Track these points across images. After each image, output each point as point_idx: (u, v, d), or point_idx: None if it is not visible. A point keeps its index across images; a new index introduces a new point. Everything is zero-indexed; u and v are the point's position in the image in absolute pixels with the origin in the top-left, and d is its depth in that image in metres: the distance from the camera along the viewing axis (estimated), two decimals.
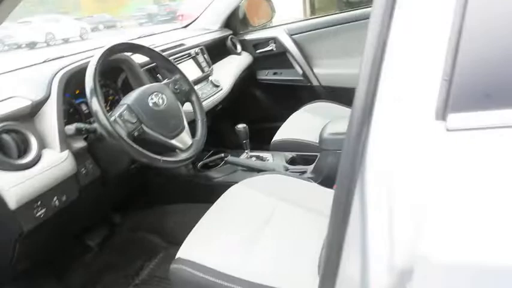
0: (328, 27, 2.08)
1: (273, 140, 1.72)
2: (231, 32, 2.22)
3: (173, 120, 1.18)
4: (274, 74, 2.27)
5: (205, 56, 1.79)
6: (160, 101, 1.15)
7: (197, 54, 1.72)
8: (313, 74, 2.15)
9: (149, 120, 1.09)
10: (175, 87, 1.26)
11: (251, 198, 1.13)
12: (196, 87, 1.59)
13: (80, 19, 15.80)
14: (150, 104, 1.12)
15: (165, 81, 1.28)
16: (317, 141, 1.56)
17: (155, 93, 1.15)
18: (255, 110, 2.35)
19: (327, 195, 1.07)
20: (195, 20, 2.22)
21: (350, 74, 2.08)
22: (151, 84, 1.20)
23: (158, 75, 1.43)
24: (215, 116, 1.85)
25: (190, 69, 1.65)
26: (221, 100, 1.72)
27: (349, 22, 2.04)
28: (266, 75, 2.29)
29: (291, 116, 1.91)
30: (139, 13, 17.91)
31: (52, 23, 13.52)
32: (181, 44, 1.72)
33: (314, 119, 1.80)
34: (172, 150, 1.17)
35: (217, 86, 1.70)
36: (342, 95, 2.07)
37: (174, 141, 1.15)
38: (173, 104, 1.21)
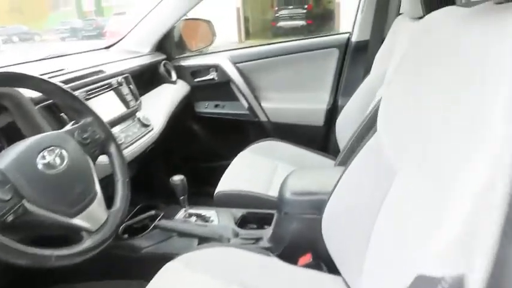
0: (277, 56, 1.84)
1: (216, 191, 1.39)
2: (164, 56, 1.88)
3: (78, 186, 0.80)
4: (216, 106, 1.97)
5: (132, 86, 1.42)
6: (58, 160, 0.78)
7: (120, 84, 1.35)
8: (261, 108, 1.89)
9: (36, 192, 0.71)
10: (85, 135, 0.89)
11: (192, 282, 0.88)
12: (118, 129, 1.23)
13: None
14: (40, 167, 0.74)
15: (69, 126, 0.90)
16: (272, 195, 1.29)
17: (49, 149, 0.78)
18: (193, 149, 2.02)
19: (290, 274, 0.92)
20: (120, 40, 1.84)
21: (302, 110, 1.86)
22: (44, 135, 0.82)
23: (62, 114, 1.03)
24: (144, 160, 1.47)
25: (110, 105, 1.27)
26: (152, 141, 1.37)
27: (301, 51, 1.82)
28: (206, 107, 1.97)
29: (236, 158, 1.61)
30: (62, 27, 16.61)
31: None
32: (100, 71, 1.34)
33: (264, 163, 1.54)
34: (75, 232, 0.79)
35: (146, 126, 1.34)
36: (293, 133, 1.84)
37: (77, 220, 0.78)
38: (79, 162, 0.83)
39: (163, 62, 1.84)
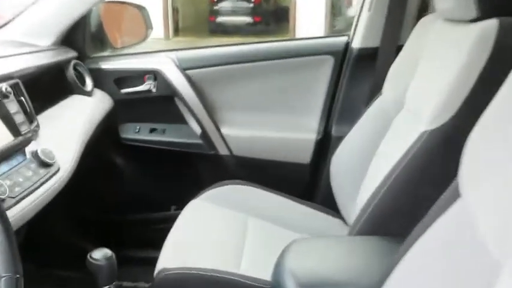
0: (246, 61, 1.64)
1: (157, 270, 1.15)
2: (74, 54, 1.59)
3: None
4: (152, 131, 1.71)
5: (23, 99, 1.13)
6: None
7: (5, 96, 1.05)
8: (220, 135, 1.67)
9: None
10: None
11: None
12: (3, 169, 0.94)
13: None
14: None
15: None
16: (248, 275, 1.10)
17: None
18: (117, 195, 1.72)
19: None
20: (3, 26, 1.52)
21: (281, 140, 1.67)
22: None
23: None
24: (42, 219, 1.18)
25: None
26: (58, 190, 1.08)
27: (281, 57, 1.65)
28: (137, 132, 1.71)
29: (184, 211, 1.37)
30: None
31: None
32: None
33: (228, 219, 1.35)
34: None
35: (48, 165, 1.05)
36: (267, 173, 1.64)
37: None
38: None
39: (73, 62, 1.55)
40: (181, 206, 1.73)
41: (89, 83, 1.58)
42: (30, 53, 1.39)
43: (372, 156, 1.23)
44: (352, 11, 11.57)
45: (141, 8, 1.85)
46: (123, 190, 1.75)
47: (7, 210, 0.86)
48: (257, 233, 1.32)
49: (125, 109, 1.69)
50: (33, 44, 1.48)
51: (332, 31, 10.85)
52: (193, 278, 1.13)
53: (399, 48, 1.39)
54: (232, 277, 1.12)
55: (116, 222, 1.77)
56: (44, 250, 1.60)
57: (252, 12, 12.58)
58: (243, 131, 1.68)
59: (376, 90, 1.42)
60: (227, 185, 1.51)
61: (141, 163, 1.75)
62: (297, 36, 11.22)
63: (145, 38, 1.85)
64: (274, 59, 1.63)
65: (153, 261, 1.75)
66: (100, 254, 0.97)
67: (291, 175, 1.67)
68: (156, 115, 1.71)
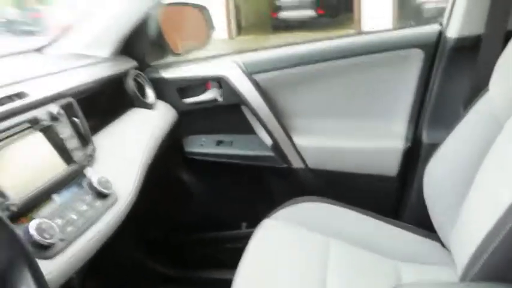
0: (321, 61, 1.45)
1: None
2: (134, 63, 1.48)
3: None
4: (219, 144, 1.57)
5: (78, 120, 1.02)
6: None
7: (56, 118, 0.94)
8: (293, 146, 1.49)
9: None
10: None
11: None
12: (45, 212, 0.82)
13: None
14: None
15: None
16: None
17: None
18: (183, 214, 1.61)
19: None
20: (59, 38, 1.44)
21: (363, 150, 1.47)
22: None
23: None
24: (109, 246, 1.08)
25: (34, 160, 0.87)
26: (117, 224, 0.96)
27: (359, 54, 1.44)
28: (202, 145, 1.57)
29: (257, 233, 1.23)
30: None
31: None
32: (20, 95, 0.94)
33: (307, 241, 1.19)
34: None
35: (104, 196, 0.93)
36: (347, 188, 1.45)
37: None
38: None
39: (133, 72, 1.44)
40: (252, 223, 1.58)
41: (150, 94, 1.47)
42: (86, 66, 1.29)
43: (477, 169, 1.01)
44: None
45: (202, 8, 1.71)
46: (190, 208, 1.63)
47: (57, 254, 0.75)
48: (341, 259, 1.14)
49: (189, 120, 1.56)
50: (92, 55, 1.38)
51: (400, 22, 10.29)
52: None
53: (509, 35, 1.16)
54: None
55: (185, 241, 1.66)
56: (112, 274, 1.51)
57: (315, 5, 12.25)
58: (319, 141, 1.49)
59: (479, 87, 1.18)
60: (303, 202, 1.34)
61: (208, 178, 1.62)
62: (363, 28, 10.79)
63: (207, 40, 1.71)
64: (352, 56, 1.42)
65: (224, 282, 1.61)
66: None
67: (374, 189, 1.47)
68: (222, 126, 1.57)
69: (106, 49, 1.41)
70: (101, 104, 1.30)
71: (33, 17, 15.91)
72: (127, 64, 1.44)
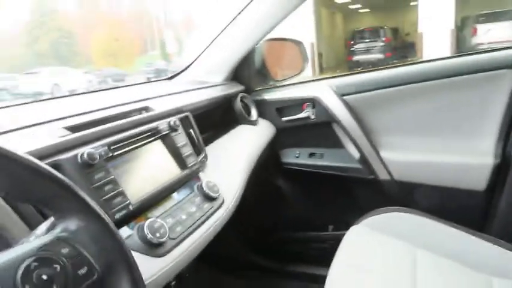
0: (408, 83, 1.19)
1: None
2: (242, 87, 1.35)
3: None
4: (311, 156, 1.36)
5: (193, 131, 0.89)
6: None
7: (174, 129, 0.81)
8: (380, 159, 1.24)
9: None
10: (49, 269, 0.34)
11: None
12: (159, 211, 0.67)
13: (89, 72, 15.55)
14: None
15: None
16: None
17: None
18: (279, 216, 1.42)
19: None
20: (186, 69, 1.35)
21: (449, 165, 1.17)
22: None
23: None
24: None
25: (153, 165, 0.74)
26: (221, 225, 0.80)
27: (446, 77, 1.16)
28: (297, 157, 1.38)
29: (347, 237, 1.00)
30: (148, 68, 17.70)
31: (60, 75, 13.31)
32: (145, 109, 0.82)
33: (395, 249, 0.94)
34: None
35: (212, 199, 0.77)
36: (432, 200, 1.16)
37: None
38: None
39: (241, 95, 1.30)
40: (337, 226, 1.34)
41: (253, 113, 1.32)
42: (203, 88, 1.17)
43: None
44: (477, 39, 9.84)
45: (299, 43, 1.54)
46: (285, 210, 1.44)
47: (167, 253, 0.59)
48: (430, 271, 0.87)
49: (286, 135, 1.38)
50: (209, 81, 1.28)
51: None
52: None
53: None
54: None
55: (280, 239, 1.47)
56: (217, 260, 1.37)
57: (383, 50, 11.62)
58: (406, 155, 1.22)
59: None
60: (390, 211, 1.08)
61: (301, 186, 1.42)
62: None
63: (302, 70, 1.53)
64: (440, 78, 1.15)
65: (313, 277, 1.38)
66: None
67: (461, 203, 1.16)
68: (314, 140, 1.36)
69: (220, 76, 1.30)
70: (213, 120, 1.18)
71: (176, 66, 17.03)
72: (236, 88, 1.31)
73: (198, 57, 1.35)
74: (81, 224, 0.38)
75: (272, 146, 1.32)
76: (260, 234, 1.45)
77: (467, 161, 1.13)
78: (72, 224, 0.38)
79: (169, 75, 1.39)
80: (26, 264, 0.33)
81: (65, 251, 0.36)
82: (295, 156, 1.37)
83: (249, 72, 1.40)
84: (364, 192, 1.31)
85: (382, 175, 1.24)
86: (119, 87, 1.23)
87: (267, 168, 1.37)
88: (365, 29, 12.27)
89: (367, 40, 11.74)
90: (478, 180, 1.12)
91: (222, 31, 1.29)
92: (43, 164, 0.36)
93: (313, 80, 1.41)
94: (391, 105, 1.22)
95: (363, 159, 1.25)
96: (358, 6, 18.10)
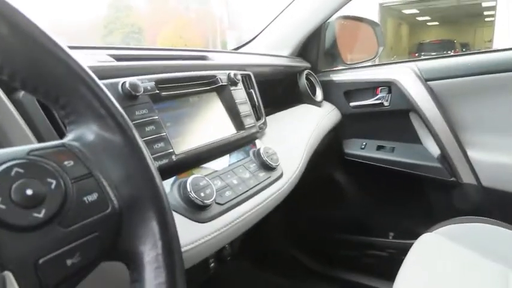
0: (508, 70, 0.97)
1: None
2: (308, 65, 1.20)
3: None
4: (380, 148, 1.18)
5: (253, 92, 0.75)
6: None
7: (234, 83, 0.68)
8: (466, 159, 1.03)
9: None
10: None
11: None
12: (208, 169, 0.54)
13: None
14: None
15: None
16: None
17: None
18: (335, 213, 1.25)
19: None
20: (251, 41, 1.23)
21: None
22: None
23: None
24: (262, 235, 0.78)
25: (205, 118, 0.61)
26: (279, 200, 0.65)
27: None
28: (363, 148, 1.20)
29: (416, 246, 0.81)
30: None
31: None
32: (203, 57, 0.71)
33: (482, 273, 0.73)
34: None
35: (270, 169, 0.63)
36: None
37: None
38: None
39: (306, 72, 1.15)
40: (400, 234, 1.15)
41: (319, 93, 1.17)
42: (267, 55, 1.04)
43: None
44: None
45: (374, 25, 1.36)
46: (341, 208, 1.26)
47: (212, 219, 0.46)
48: None
49: (352, 123, 1.21)
50: (275, 54, 1.15)
51: None
52: None
53: None
54: None
55: (331, 240, 1.29)
56: (260, 253, 1.23)
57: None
58: (497, 157, 1.00)
59: None
60: (473, 222, 0.87)
61: (364, 182, 1.23)
62: None
63: (376, 55, 1.35)
64: None
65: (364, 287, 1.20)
66: None
67: None
68: (385, 132, 1.18)
69: (286, 51, 1.17)
70: (276, 93, 1.05)
71: None
72: (302, 64, 1.17)
73: (263, 30, 1.22)
74: (102, 135, 0.26)
75: (336, 133, 1.16)
76: (309, 231, 1.29)
77: None
78: (89, 132, 0.26)
79: (236, 47, 1.28)
80: (4, 168, 0.21)
81: (69, 164, 0.24)
82: (361, 148, 1.20)
83: (317, 51, 1.25)
84: (441, 198, 1.10)
85: (467, 178, 1.02)
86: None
87: (327, 158, 1.20)
88: (432, 41, 11.56)
89: (433, 53, 11.03)
90: None
91: (290, 4, 1.15)
92: (59, 41, 0.25)
93: (392, 62, 1.22)
94: (485, 95, 1.01)
95: (444, 158, 1.05)
96: (427, 18, 17.11)
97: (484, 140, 1.03)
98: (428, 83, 1.05)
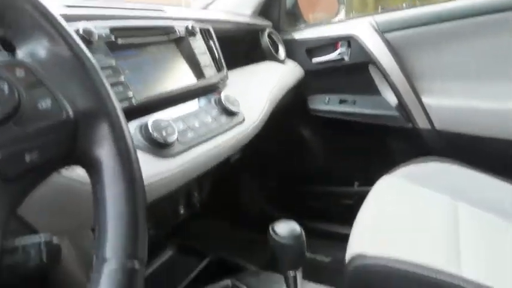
0: (461, 17, 1.02)
1: (350, 256, 0.68)
2: (269, 23, 1.21)
3: None
4: (342, 102, 1.22)
5: (214, 45, 0.77)
6: None
7: (192, 34, 0.69)
8: (421, 106, 1.09)
9: None
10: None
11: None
12: (173, 113, 0.57)
13: None
14: None
15: None
16: (470, 280, 0.58)
17: None
18: (302, 166, 1.30)
19: None
20: (212, 2, 1.22)
21: (499, 112, 1.02)
22: None
23: None
24: (219, 176, 0.81)
25: (165, 67, 0.63)
26: (242, 144, 0.68)
27: (499, 11, 0.98)
28: (327, 103, 1.24)
29: (376, 188, 0.87)
30: None
31: None
32: (159, 11, 0.71)
33: (435, 207, 0.79)
34: None
35: (232, 114, 0.66)
36: (477, 152, 1.01)
37: None
38: None
39: (268, 30, 1.17)
40: (365, 182, 1.21)
41: (281, 51, 1.19)
42: (228, 12, 1.04)
43: None
44: None
45: None
46: (307, 161, 1.31)
47: (176, 155, 0.49)
48: (473, 225, 0.74)
49: (315, 80, 1.24)
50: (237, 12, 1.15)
51: None
52: (402, 274, 0.62)
53: None
54: (454, 282, 0.58)
55: (298, 192, 1.35)
56: (230, 207, 1.27)
57: None
58: (450, 102, 1.07)
59: None
60: (428, 162, 0.94)
61: (328, 135, 1.28)
62: None
63: (337, 13, 1.37)
64: (501, 10, 0.97)
65: (334, 235, 1.27)
66: (286, 229, 0.54)
67: (508, 154, 1.00)
68: (346, 86, 1.22)
69: (248, 9, 1.17)
70: (238, 50, 1.06)
71: None
72: (263, 22, 1.18)
73: None
74: (52, 50, 0.27)
75: (300, 90, 1.19)
76: (278, 185, 1.34)
77: None
78: (39, 48, 0.27)
79: (204, 5, 1.26)
80: None
81: (21, 74, 0.25)
82: (325, 103, 1.24)
83: (279, 10, 1.26)
84: (400, 144, 1.17)
85: (422, 123, 1.09)
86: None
87: (293, 115, 1.24)
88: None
89: None
90: None
91: None
92: None
93: (350, 18, 1.25)
94: (438, 44, 1.06)
95: (402, 106, 1.10)
96: None
97: (437, 87, 1.09)
98: (385, 35, 1.09)
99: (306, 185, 1.33)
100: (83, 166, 0.28)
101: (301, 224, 0.56)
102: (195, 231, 0.98)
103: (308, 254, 1.21)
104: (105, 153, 0.27)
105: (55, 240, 0.28)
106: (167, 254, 0.78)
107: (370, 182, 0.92)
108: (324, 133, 1.28)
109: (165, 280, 0.70)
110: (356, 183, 1.29)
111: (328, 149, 1.29)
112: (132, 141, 0.29)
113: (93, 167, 0.28)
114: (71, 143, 0.27)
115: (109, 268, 0.24)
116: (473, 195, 0.81)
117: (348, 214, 0.99)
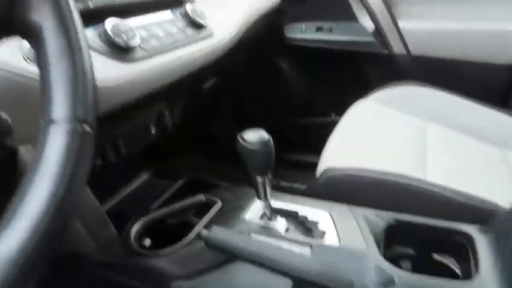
0: None
1: (320, 170, 0.70)
2: None
3: None
4: (319, 30, 1.19)
5: None
6: None
7: None
8: (397, 31, 1.07)
9: None
10: None
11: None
12: (138, 20, 0.54)
13: None
14: None
15: None
16: (438, 183, 0.62)
17: None
18: (279, 95, 1.29)
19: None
20: None
21: (474, 35, 1.01)
22: None
23: None
24: (193, 99, 0.80)
25: None
26: (213, 59, 0.67)
27: None
28: (303, 31, 1.21)
29: (350, 111, 0.89)
30: None
31: None
32: None
33: (403, 122, 0.83)
34: None
35: (200, 26, 0.63)
36: (452, 76, 1.03)
37: None
38: None
39: None
40: (341, 113, 1.23)
41: None
42: None
43: None
44: None
45: None
46: (284, 92, 1.30)
47: (137, 60, 0.47)
48: (441, 142, 0.77)
49: (291, 8, 1.20)
50: None
51: None
52: (370, 182, 0.65)
53: None
54: (419, 184, 0.62)
55: (273, 122, 1.35)
56: (203, 135, 1.26)
57: None
58: (426, 25, 1.06)
59: None
60: (401, 86, 0.96)
61: (306, 65, 1.26)
62: None
63: None
64: None
65: (311, 165, 1.31)
66: (254, 136, 0.54)
67: (482, 79, 1.02)
68: (323, 13, 1.18)
69: None
70: None
71: None
72: None
73: None
74: None
75: (274, 17, 1.15)
76: (255, 116, 1.34)
77: (492, 28, 0.97)
78: None
79: None
80: None
81: None
82: (302, 31, 1.21)
83: None
84: (377, 71, 1.16)
85: (398, 49, 1.08)
86: None
87: (270, 45, 1.21)
88: None
89: None
90: (503, 54, 0.97)
91: None
92: None
93: None
94: None
95: (378, 32, 1.09)
96: None
97: (414, 11, 1.07)
98: None
99: (282, 115, 1.33)
100: (24, 36, 0.27)
101: (276, 154, 0.57)
102: (170, 156, 0.99)
103: (284, 183, 1.24)
104: (44, 16, 0.26)
105: (3, 115, 0.27)
106: (143, 177, 0.79)
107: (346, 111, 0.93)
108: (300, 63, 1.26)
109: (141, 200, 0.72)
110: (333, 114, 1.30)
111: (304, 79, 1.28)
112: (74, 3, 0.27)
113: (33, 34, 0.26)
114: (8, 11, 0.25)
115: (55, 129, 0.24)
116: (445, 118, 0.84)
117: (324, 144, 1.01)
